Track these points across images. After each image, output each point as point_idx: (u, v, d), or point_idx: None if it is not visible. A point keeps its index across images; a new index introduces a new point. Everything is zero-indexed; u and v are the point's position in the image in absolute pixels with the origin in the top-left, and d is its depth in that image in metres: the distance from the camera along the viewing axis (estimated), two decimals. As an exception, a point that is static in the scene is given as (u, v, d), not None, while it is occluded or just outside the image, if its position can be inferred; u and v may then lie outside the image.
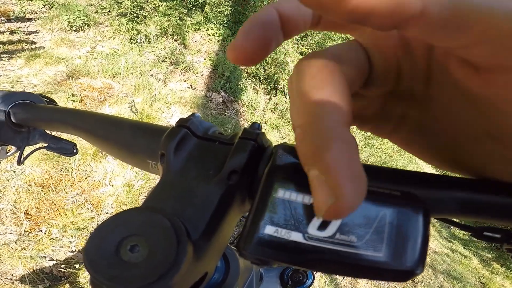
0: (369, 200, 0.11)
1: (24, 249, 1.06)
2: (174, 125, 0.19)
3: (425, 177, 0.13)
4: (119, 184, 1.37)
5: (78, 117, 0.28)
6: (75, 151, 0.36)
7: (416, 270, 0.10)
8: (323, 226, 0.11)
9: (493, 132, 0.11)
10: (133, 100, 1.67)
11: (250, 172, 0.16)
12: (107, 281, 0.11)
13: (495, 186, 0.12)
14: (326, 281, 1.56)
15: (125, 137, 0.23)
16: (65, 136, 0.38)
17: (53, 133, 0.38)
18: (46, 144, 0.36)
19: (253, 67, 2.51)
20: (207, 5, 2.63)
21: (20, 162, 0.35)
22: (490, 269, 2.85)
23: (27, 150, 0.36)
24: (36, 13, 2.08)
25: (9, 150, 0.38)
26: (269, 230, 0.11)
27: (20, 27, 1.93)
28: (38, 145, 0.37)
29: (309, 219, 0.11)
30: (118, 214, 0.13)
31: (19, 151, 0.35)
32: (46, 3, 2.14)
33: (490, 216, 0.13)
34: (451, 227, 3.27)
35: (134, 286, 0.11)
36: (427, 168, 3.48)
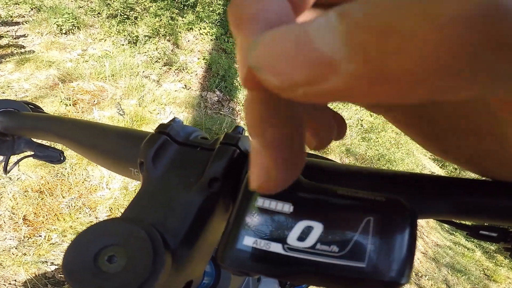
0: (352, 207, 0.11)
1: (25, 254, 1.05)
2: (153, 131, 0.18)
3: (417, 179, 0.13)
4: (116, 187, 1.36)
5: (61, 124, 0.27)
6: (62, 158, 0.35)
7: (401, 280, 0.10)
8: (303, 236, 0.11)
9: (494, 131, 0.11)
10: (118, 103, 1.65)
11: (234, 178, 0.16)
12: None
13: (489, 186, 0.12)
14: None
15: (107, 144, 0.22)
16: (53, 143, 0.38)
17: (40, 141, 0.37)
18: (32, 152, 0.35)
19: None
20: (198, 4, 2.61)
21: (6, 171, 0.34)
22: (494, 261, 2.82)
23: (14, 158, 0.35)
24: (24, 17, 2.04)
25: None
26: (247, 241, 0.11)
27: (8, 31, 1.89)
28: (24, 154, 0.36)
29: (289, 229, 0.11)
30: (95, 224, 0.13)
31: (4, 161, 0.34)
32: (34, 6, 2.10)
33: (485, 217, 0.12)
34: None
35: None
36: (425, 160, 3.49)
